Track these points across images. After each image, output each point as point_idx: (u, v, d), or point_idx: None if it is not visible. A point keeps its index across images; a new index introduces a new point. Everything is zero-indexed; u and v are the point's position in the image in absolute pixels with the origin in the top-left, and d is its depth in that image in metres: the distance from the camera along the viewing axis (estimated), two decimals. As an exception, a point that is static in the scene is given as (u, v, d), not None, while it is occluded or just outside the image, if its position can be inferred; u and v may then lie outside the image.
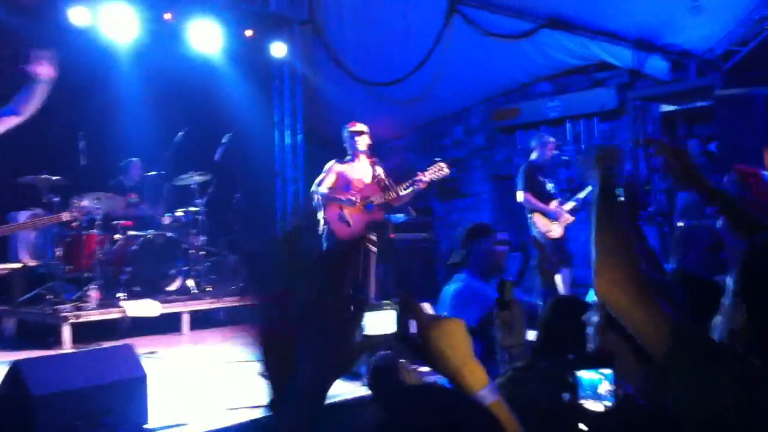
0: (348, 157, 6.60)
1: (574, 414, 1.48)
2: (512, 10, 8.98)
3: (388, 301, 1.48)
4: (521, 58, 9.75)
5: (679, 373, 1.59)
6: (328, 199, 6.37)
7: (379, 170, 6.64)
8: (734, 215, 2.53)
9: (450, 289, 4.32)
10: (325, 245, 6.42)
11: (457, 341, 1.45)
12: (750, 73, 8.33)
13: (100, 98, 8.83)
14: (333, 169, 6.50)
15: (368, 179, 6.54)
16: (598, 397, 1.48)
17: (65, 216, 7.03)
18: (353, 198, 6.39)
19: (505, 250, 4.57)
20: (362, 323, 1.44)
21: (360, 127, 6.59)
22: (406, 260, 9.50)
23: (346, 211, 6.38)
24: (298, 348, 1.41)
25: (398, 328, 1.45)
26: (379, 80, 10.08)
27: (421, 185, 6.53)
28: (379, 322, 1.46)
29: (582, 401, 1.47)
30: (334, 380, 1.43)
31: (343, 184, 6.45)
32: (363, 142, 6.54)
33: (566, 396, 1.45)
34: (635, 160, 9.20)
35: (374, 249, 6.49)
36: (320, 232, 6.50)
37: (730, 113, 8.01)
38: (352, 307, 1.43)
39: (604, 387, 1.50)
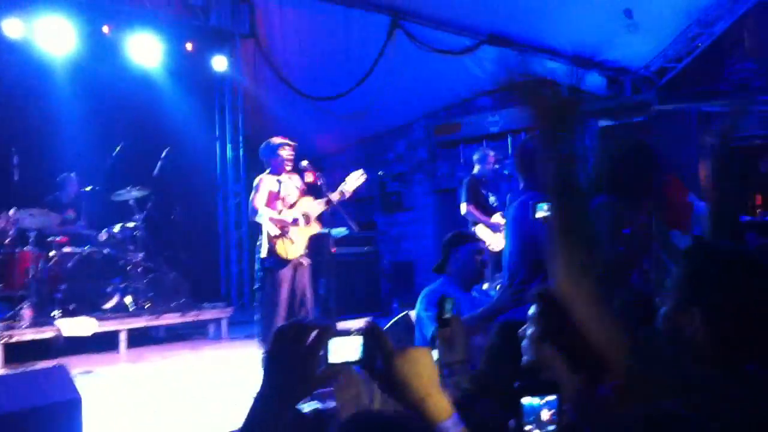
0: (268, 170, 6.52)
1: None
2: (454, 27, 9.08)
3: (352, 328, 1.46)
4: (463, 74, 9.84)
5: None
6: (273, 221, 6.29)
7: (297, 181, 6.58)
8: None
9: (423, 292, 4.35)
10: (266, 266, 6.34)
11: (421, 370, 1.43)
12: (685, 88, 8.57)
13: (36, 112, 8.64)
14: (263, 184, 6.43)
15: (296, 193, 6.50)
16: (541, 425, 1.46)
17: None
18: (297, 218, 6.34)
19: (485, 260, 4.58)
20: (325, 350, 1.42)
21: (283, 140, 6.53)
22: (349, 274, 9.48)
23: (291, 230, 6.32)
24: (263, 370, 1.41)
25: (363, 355, 1.44)
26: (322, 95, 10.07)
27: (347, 195, 6.52)
28: (344, 348, 1.44)
29: (527, 427, 1.46)
30: (294, 404, 1.41)
31: (273, 199, 6.39)
32: (287, 155, 6.48)
33: (512, 423, 1.45)
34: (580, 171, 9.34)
35: (307, 262, 6.46)
36: (260, 251, 6.40)
37: (665, 128, 8.22)
38: (313, 334, 1.41)
39: (546, 414, 1.49)
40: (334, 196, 6.47)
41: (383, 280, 10.41)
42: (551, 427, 1.45)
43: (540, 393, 1.44)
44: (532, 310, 2.36)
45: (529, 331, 2.27)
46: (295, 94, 9.95)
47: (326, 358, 1.42)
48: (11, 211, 7.17)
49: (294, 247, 6.31)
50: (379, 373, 1.44)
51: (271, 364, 1.42)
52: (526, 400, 1.45)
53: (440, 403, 1.41)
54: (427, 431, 1.36)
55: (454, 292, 4.10)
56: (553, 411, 1.46)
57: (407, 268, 10.46)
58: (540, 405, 1.46)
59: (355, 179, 6.59)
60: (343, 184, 6.55)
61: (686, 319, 1.70)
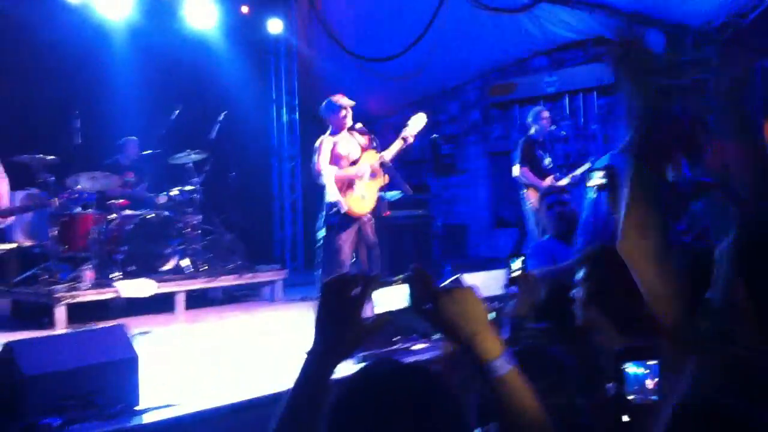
0: (330, 131, 6.52)
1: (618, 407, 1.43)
2: (510, -17, 8.90)
3: (397, 276, 1.48)
4: (518, 33, 9.67)
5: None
6: (340, 177, 6.29)
7: (362, 139, 6.57)
8: None
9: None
10: (332, 223, 6.35)
11: (469, 308, 1.45)
12: (744, 46, 8.27)
13: (95, 76, 8.78)
14: (325, 144, 6.43)
15: (357, 150, 6.48)
16: (646, 393, 1.42)
17: (54, 203, 7.07)
18: (364, 171, 6.33)
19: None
20: (372, 301, 1.44)
21: (345, 100, 6.51)
22: (401, 237, 9.49)
23: (358, 184, 6.32)
24: (315, 322, 1.44)
25: (411, 301, 1.46)
26: (375, 56, 10.00)
27: (410, 140, 6.48)
28: (390, 298, 1.47)
29: (630, 396, 1.42)
30: (346, 356, 1.44)
31: (336, 158, 6.39)
32: (348, 116, 6.46)
33: (611, 387, 1.42)
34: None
35: (372, 220, 6.49)
36: (329, 211, 6.42)
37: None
38: (359, 285, 1.44)
39: (651, 383, 1.44)
40: (393, 147, 6.45)
41: (435, 243, 10.38)
42: (655, 397, 1.41)
43: (641, 359, 1.38)
44: (580, 273, 2.35)
45: (578, 295, 2.27)
46: (349, 56, 9.92)
47: (373, 308, 1.45)
48: (78, 185, 7.35)
49: (363, 202, 6.32)
50: (428, 314, 1.46)
51: (320, 318, 1.45)
52: (630, 369, 1.40)
53: (490, 341, 1.42)
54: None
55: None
56: (656, 380, 1.41)
57: (460, 231, 10.43)
58: (644, 374, 1.41)
59: (415, 121, 6.54)
60: (405, 128, 6.52)
61: (734, 290, 1.61)
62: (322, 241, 6.39)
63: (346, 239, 6.25)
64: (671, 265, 1.75)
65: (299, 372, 1.45)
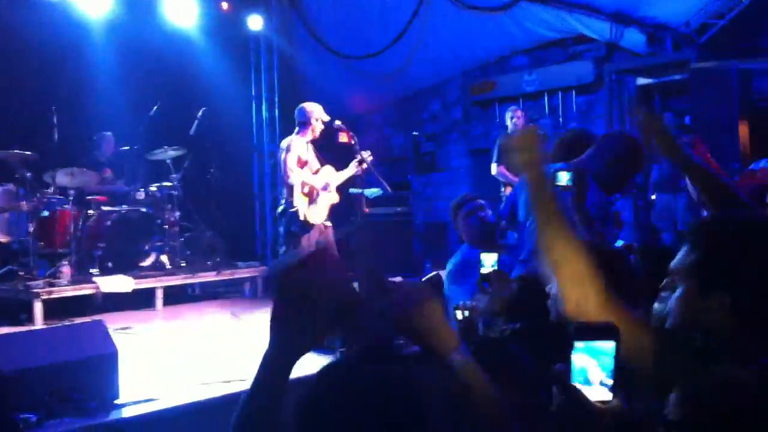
0: (297, 131, 6.58)
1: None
2: (491, -17, 8.94)
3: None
4: (499, 31, 9.70)
5: (667, 378, 1.52)
6: (305, 184, 6.36)
7: (343, 141, 6.67)
8: (709, 188, 2.37)
9: (449, 264, 4.32)
10: (293, 230, 6.43)
11: (425, 307, 1.47)
12: (725, 46, 8.35)
13: (73, 72, 8.72)
14: (294, 146, 6.50)
15: (316, 163, 6.59)
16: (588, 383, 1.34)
17: (24, 206, 7.03)
18: (328, 183, 6.40)
19: (487, 215, 4.48)
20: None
21: (319, 111, 6.60)
22: (382, 234, 9.52)
23: (320, 196, 6.40)
24: (270, 320, 1.43)
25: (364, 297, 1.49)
26: (357, 54, 10.00)
27: (361, 169, 6.59)
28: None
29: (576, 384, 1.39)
30: (300, 356, 1.44)
31: (300, 164, 6.48)
32: (319, 126, 6.57)
33: (560, 367, 1.39)
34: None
35: (329, 224, 6.56)
36: (284, 212, 6.49)
37: (704, 86, 8.04)
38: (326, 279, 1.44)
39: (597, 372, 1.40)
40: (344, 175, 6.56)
41: (416, 241, 10.42)
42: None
43: (596, 338, 1.34)
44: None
45: (552, 290, 2.27)
46: (330, 53, 9.91)
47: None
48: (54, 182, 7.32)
49: (318, 213, 6.41)
50: (383, 312, 1.48)
51: (277, 317, 1.45)
52: (578, 360, 1.35)
53: (445, 335, 1.45)
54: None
55: (475, 256, 4.06)
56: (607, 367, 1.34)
57: (440, 229, 10.43)
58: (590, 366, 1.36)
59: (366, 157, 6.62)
60: (362, 153, 6.60)
61: (708, 306, 1.53)
62: (284, 247, 6.47)
63: (307, 245, 6.32)
64: (618, 313, 1.71)
65: (257, 369, 1.44)
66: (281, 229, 6.53)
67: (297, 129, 6.66)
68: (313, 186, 6.38)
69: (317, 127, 6.57)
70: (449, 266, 4.24)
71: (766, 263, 1.49)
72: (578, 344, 1.33)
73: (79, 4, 8.38)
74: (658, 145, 2.44)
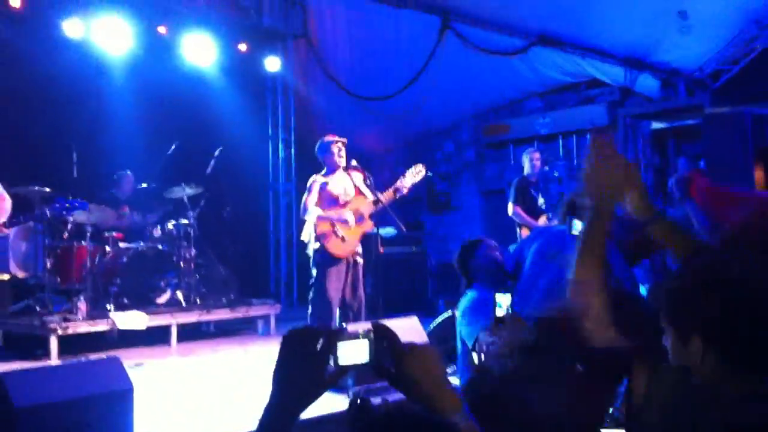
0: (324, 171, 6.61)
1: None
2: (504, 27, 9.04)
3: (361, 330, 1.50)
4: (512, 75, 9.81)
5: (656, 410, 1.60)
6: (322, 219, 6.38)
7: (358, 178, 6.66)
8: (675, 242, 2.26)
9: (461, 305, 4.31)
10: (317, 262, 6.44)
11: (430, 368, 1.48)
12: (738, 91, 8.40)
13: (93, 110, 8.84)
14: (316, 185, 6.52)
15: (351, 190, 6.56)
16: None
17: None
18: (347, 218, 6.41)
19: (501, 253, 4.49)
20: (335, 353, 1.46)
21: (338, 138, 6.61)
22: (396, 273, 9.52)
23: (339, 227, 6.40)
24: (273, 373, 1.45)
25: (371, 357, 1.49)
26: (372, 95, 10.12)
27: (404, 191, 6.55)
28: (352, 351, 1.48)
29: None
30: (303, 409, 1.45)
31: (327, 199, 6.47)
32: (341, 154, 6.56)
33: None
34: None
35: (361, 261, 6.54)
36: (312, 249, 6.51)
37: (718, 131, 8.08)
38: (325, 337, 1.46)
39: None
40: (386, 195, 6.51)
41: (430, 280, 10.41)
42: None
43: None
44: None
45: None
46: (346, 94, 10.03)
47: (336, 361, 1.47)
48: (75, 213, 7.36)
49: (344, 245, 6.38)
50: (388, 373, 1.49)
51: (280, 370, 1.46)
52: None
53: (450, 398, 1.46)
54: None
55: (487, 296, 4.06)
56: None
57: (454, 268, 10.43)
58: None
59: (413, 174, 6.61)
60: (401, 178, 6.58)
61: (689, 351, 1.60)
62: (312, 279, 6.46)
63: (332, 278, 6.32)
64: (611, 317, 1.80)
65: (257, 426, 1.44)
66: (312, 261, 6.52)
67: (324, 167, 6.70)
68: (330, 219, 6.40)
69: (335, 152, 6.55)
70: (463, 305, 4.24)
71: (727, 305, 1.54)
72: None
73: (100, 43, 8.53)
74: (629, 195, 2.14)
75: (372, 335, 1.49)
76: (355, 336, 1.49)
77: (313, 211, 6.39)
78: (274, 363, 1.46)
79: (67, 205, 6.96)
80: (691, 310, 1.59)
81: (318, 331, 1.49)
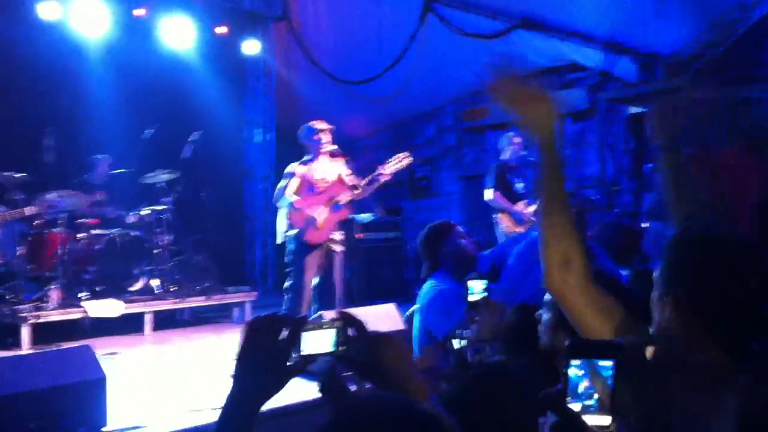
0: (308, 157, 6.52)
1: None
2: (486, 10, 8.99)
3: (327, 319, 1.48)
4: (494, 59, 9.75)
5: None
6: (294, 210, 6.33)
7: (341, 167, 6.60)
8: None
9: (425, 293, 4.22)
10: (293, 248, 6.39)
11: (399, 356, 1.47)
12: (717, 75, 8.41)
13: (69, 94, 8.75)
14: (295, 172, 6.45)
15: (331, 177, 6.49)
16: (577, 397, 1.29)
17: (28, 210, 6.98)
18: (316, 217, 6.34)
19: (471, 242, 4.41)
20: (299, 342, 1.43)
21: (324, 125, 6.53)
22: (374, 259, 9.49)
23: (315, 215, 6.35)
24: (235, 365, 1.41)
25: (336, 347, 1.46)
26: (353, 79, 10.04)
27: (385, 177, 6.48)
28: (317, 340, 1.45)
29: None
30: (267, 399, 1.42)
31: (307, 186, 6.40)
32: (326, 140, 6.47)
33: (560, 387, 1.34)
34: (602, 160, 9.28)
35: (339, 249, 6.48)
36: (287, 236, 6.45)
37: (694, 115, 8.08)
38: (289, 326, 1.42)
39: (584, 384, 1.34)
40: (366, 182, 6.45)
41: (408, 266, 10.39)
42: (589, 402, 1.30)
43: (592, 356, 1.29)
44: (547, 296, 2.37)
45: (545, 317, 2.28)
46: (327, 77, 9.95)
47: (299, 350, 1.43)
48: (49, 196, 7.25)
49: (319, 232, 6.33)
50: (353, 362, 1.47)
51: (243, 358, 1.42)
52: (572, 372, 1.30)
53: (419, 387, 1.44)
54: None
55: (450, 285, 4.00)
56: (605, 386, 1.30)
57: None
58: (580, 376, 1.31)
59: (396, 162, 6.54)
60: (383, 165, 6.51)
61: (662, 308, 1.70)
62: (289, 267, 6.42)
63: (308, 266, 6.28)
64: (598, 296, 1.80)
65: (220, 415, 1.41)
66: (287, 248, 6.47)
67: (307, 152, 6.62)
68: (303, 205, 6.34)
69: (319, 138, 6.48)
70: (429, 294, 4.15)
71: (700, 268, 1.64)
72: (574, 362, 1.29)
73: (77, 26, 8.41)
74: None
75: (338, 324, 1.46)
76: (320, 325, 1.47)
77: (287, 198, 6.33)
78: (238, 352, 1.43)
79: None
80: (672, 270, 1.69)
81: (282, 319, 1.46)
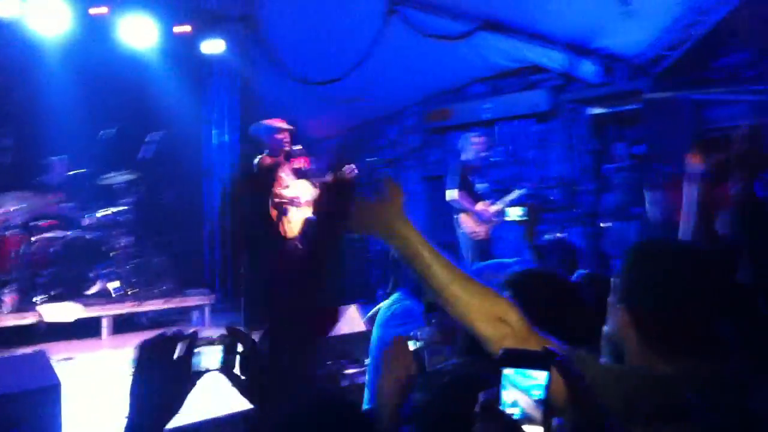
0: (266, 152, 6.52)
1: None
2: (449, 12, 8.98)
3: (216, 335, 1.50)
4: (457, 60, 9.78)
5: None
6: (273, 196, 6.29)
7: (299, 165, 6.60)
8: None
9: (386, 309, 4.21)
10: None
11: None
12: (678, 77, 8.51)
13: (26, 94, 8.59)
14: (263, 164, 6.43)
15: (291, 176, 6.49)
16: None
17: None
18: (297, 196, 6.33)
19: None
20: (193, 360, 1.41)
21: (284, 124, 6.53)
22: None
23: (289, 210, 6.32)
24: (130, 390, 1.38)
25: (222, 363, 1.48)
26: (317, 79, 9.99)
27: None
28: (207, 357, 1.49)
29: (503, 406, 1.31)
30: (168, 421, 1.39)
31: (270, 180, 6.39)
32: (286, 140, 6.47)
33: (482, 396, 1.32)
34: (565, 161, 9.34)
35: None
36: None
37: (658, 116, 8.19)
38: (181, 345, 1.40)
39: (524, 399, 1.31)
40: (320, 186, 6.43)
41: (371, 268, 10.37)
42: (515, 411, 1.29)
43: (527, 366, 1.28)
44: (504, 295, 2.35)
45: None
46: (290, 78, 9.88)
47: (190, 367, 1.43)
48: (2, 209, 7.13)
49: (291, 227, 6.30)
50: (237, 379, 1.50)
51: (138, 384, 1.39)
52: (507, 389, 1.28)
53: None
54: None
55: (412, 303, 4.00)
56: (537, 396, 1.28)
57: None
58: (525, 386, 1.28)
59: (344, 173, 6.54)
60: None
61: (617, 318, 1.73)
62: (242, 268, 6.39)
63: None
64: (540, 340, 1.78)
65: None
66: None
67: (265, 149, 6.60)
68: (281, 197, 6.30)
69: (281, 138, 6.46)
70: (390, 309, 4.13)
71: (657, 281, 1.66)
72: (507, 371, 1.26)
73: (34, 24, 8.22)
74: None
75: (227, 340, 1.48)
76: (210, 341, 1.48)
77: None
78: (132, 377, 1.40)
79: None
80: (626, 280, 1.73)
81: (174, 337, 1.46)
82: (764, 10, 8.05)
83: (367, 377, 4.16)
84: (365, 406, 4.00)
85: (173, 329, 1.48)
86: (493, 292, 1.79)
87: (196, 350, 1.43)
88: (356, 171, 6.66)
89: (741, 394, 1.52)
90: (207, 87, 10.81)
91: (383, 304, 4.26)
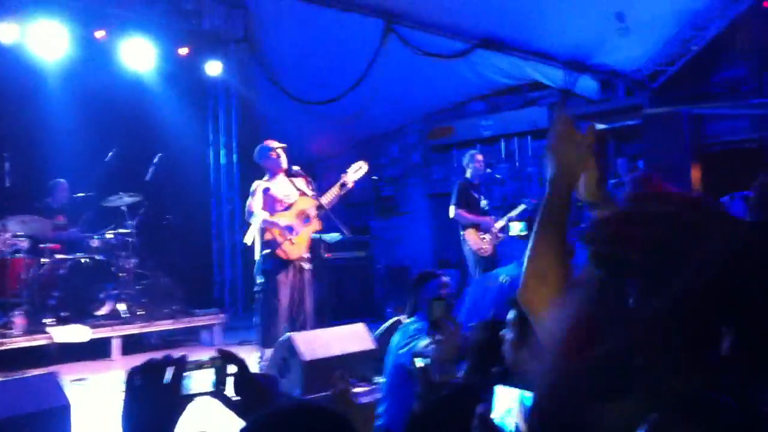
0: (266, 176, 6.55)
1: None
2: (447, 30, 9.05)
3: (207, 358, 1.49)
4: (456, 78, 9.84)
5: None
6: (269, 225, 6.30)
7: (301, 183, 6.62)
8: None
9: (402, 333, 4.23)
10: (264, 269, 6.34)
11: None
12: (676, 92, 8.57)
13: (28, 117, 8.61)
14: (259, 189, 6.45)
15: (294, 193, 6.51)
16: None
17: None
18: (292, 224, 6.34)
19: (451, 293, 4.53)
20: (183, 383, 1.42)
21: (277, 143, 6.58)
22: (343, 279, 9.46)
23: (286, 234, 6.32)
24: (121, 420, 1.39)
25: (216, 385, 1.47)
26: (316, 99, 10.04)
27: (349, 185, 6.55)
28: (198, 380, 1.46)
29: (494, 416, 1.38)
30: None
31: (270, 202, 6.40)
32: (282, 159, 6.51)
33: (479, 408, 1.38)
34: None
35: (308, 267, 6.46)
36: (259, 255, 6.41)
37: (657, 131, 8.24)
38: (171, 369, 1.41)
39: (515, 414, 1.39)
40: (331, 192, 6.50)
41: (378, 285, 10.38)
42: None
43: (519, 384, 1.35)
44: (510, 314, 2.38)
45: (508, 336, 2.29)
46: (289, 98, 9.93)
47: (181, 391, 1.43)
48: (8, 233, 7.14)
49: (294, 248, 6.31)
50: (230, 401, 1.48)
51: (129, 414, 1.40)
52: (503, 392, 1.36)
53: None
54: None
55: (426, 326, 4.02)
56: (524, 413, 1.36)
57: (402, 273, 10.45)
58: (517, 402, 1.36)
59: (355, 170, 6.60)
60: (343, 174, 6.57)
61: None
62: (258, 287, 6.37)
63: (282, 284, 6.24)
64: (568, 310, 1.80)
65: None
66: (257, 268, 6.42)
67: (266, 172, 6.64)
68: (276, 224, 6.32)
69: (275, 156, 6.51)
70: (407, 333, 4.15)
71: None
72: (500, 388, 1.33)
73: (35, 48, 8.27)
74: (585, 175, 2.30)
75: (217, 363, 1.47)
76: (200, 364, 1.47)
77: (259, 215, 6.32)
78: (124, 405, 1.41)
79: None
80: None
81: (164, 362, 1.45)
82: (761, 24, 8.15)
83: (381, 396, 4.17)
84: (377, 424, 4.02)
85: (162, 354, 1.49)
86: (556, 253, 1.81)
87: (186, 374, 1.44)
88: (367, 166, 6.71)
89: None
90: (208, 108, 10.87)
91: (397, 326, 4.30)
